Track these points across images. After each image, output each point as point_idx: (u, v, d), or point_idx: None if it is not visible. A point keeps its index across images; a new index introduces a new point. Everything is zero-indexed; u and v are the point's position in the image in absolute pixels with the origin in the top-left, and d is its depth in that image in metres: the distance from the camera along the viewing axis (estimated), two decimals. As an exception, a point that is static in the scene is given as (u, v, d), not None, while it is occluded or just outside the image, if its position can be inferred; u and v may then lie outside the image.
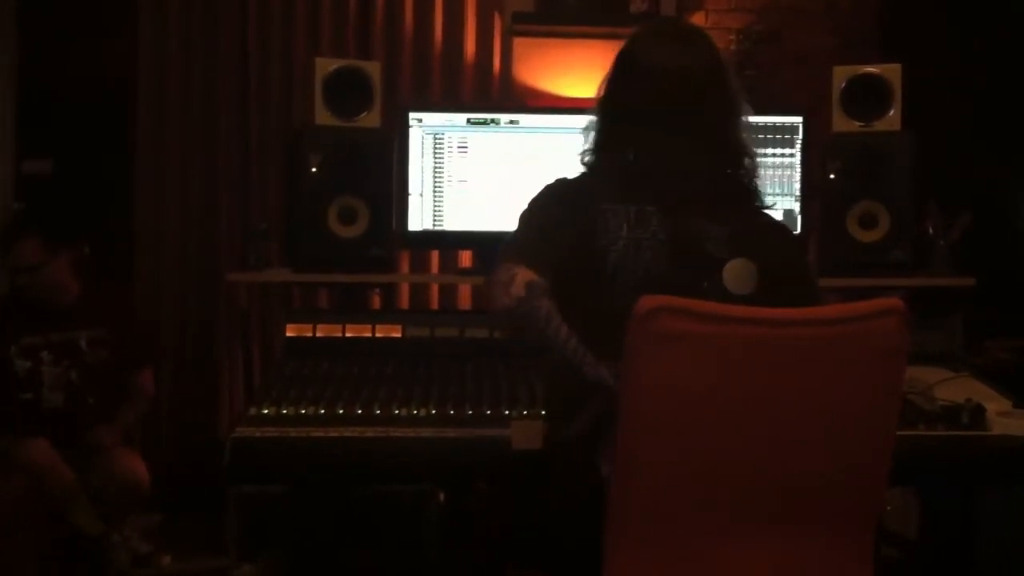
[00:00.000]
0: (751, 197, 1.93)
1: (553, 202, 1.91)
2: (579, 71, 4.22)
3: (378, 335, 2.67)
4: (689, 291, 1.66)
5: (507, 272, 1.76)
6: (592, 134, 1.96)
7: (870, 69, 3.01)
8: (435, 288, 4.23)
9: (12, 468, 3.17)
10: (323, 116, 2.94)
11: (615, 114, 1.92)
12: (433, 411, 2.22)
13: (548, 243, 1.83)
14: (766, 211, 1.96)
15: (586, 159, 1.97)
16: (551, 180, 1.96)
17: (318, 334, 2.67)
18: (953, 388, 2.44)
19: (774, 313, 1.63)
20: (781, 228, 2.00)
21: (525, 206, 1.95)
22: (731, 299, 1.73)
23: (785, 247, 1.95)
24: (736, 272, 1.80)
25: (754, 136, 2.94)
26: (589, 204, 1.85)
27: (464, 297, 4.21)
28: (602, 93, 1.94)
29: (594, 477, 1.65)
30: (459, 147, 2.99)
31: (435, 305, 4.21)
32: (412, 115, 3.00)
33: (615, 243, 1.81)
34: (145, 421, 4.12)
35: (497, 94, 4.22)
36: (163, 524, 3.66)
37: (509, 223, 2.92)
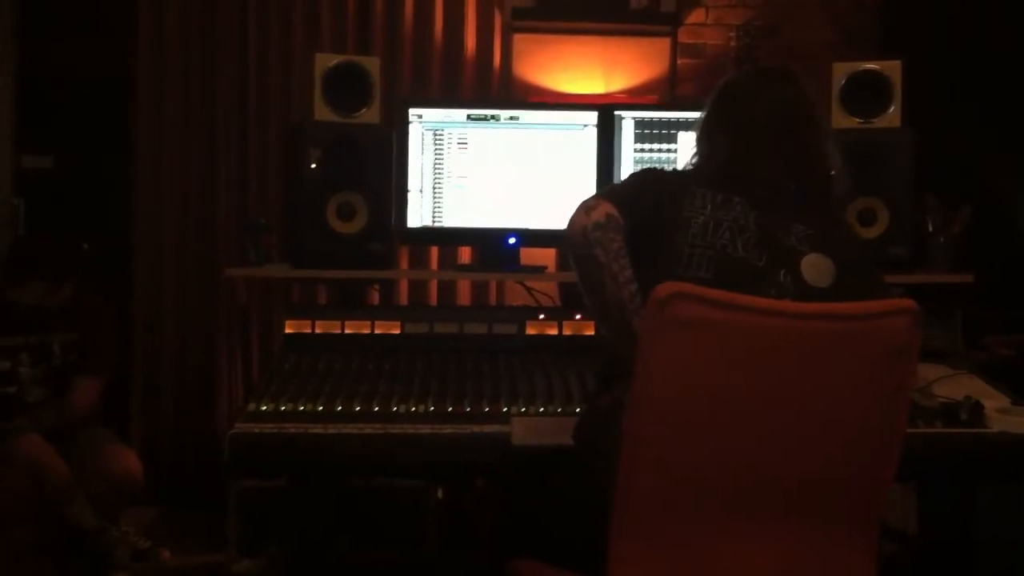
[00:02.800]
0: (832, 204, 2.06)
1: (649, 178, 2.04)
2: (579, 67, 4.22)
3: (377, 331, 2.67)
4: (763, 277, 1.77)
5: (594, 200, 1.90)
6: (694, 152, 2.08)
7: (870, 65, 3.00)
8: (434, 284, 4.23)
9: (9, 464, 3.17)
10: (322, 112, 2.94)
11: (719, 133, 2.02)
12: (432, 407, 2.22)
13: (640, 198, 1.93)
14: (846, 221, 2.12)
15: (696, 146, 2.08)
16: (633, 172, 2.11)
17: (317, 330, 2.67)
18: (952, 385, 2.44)
19: (787, 305, 1.66)
20: (857, 237, 2.14)
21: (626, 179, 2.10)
22: (809, 291, 1.81)
23: (858, 249, 2.06)
24: (815, 265, 1.86)
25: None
26: (681, 183, 1.96)
27: (463, 293, 4.20)
28: (708, 113, 2.06)
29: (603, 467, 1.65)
30: (459, 143, 2.99)
31: (434, 301, 4.21)
32: (412, 111, 2.99)
33: (697, 217, 1.88)
34: (145, 417, 4.14)
35: (497, 90, 4.21)
36: (163, 519, 3.66)
37: (509, 220, 2.98)
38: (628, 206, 1.90)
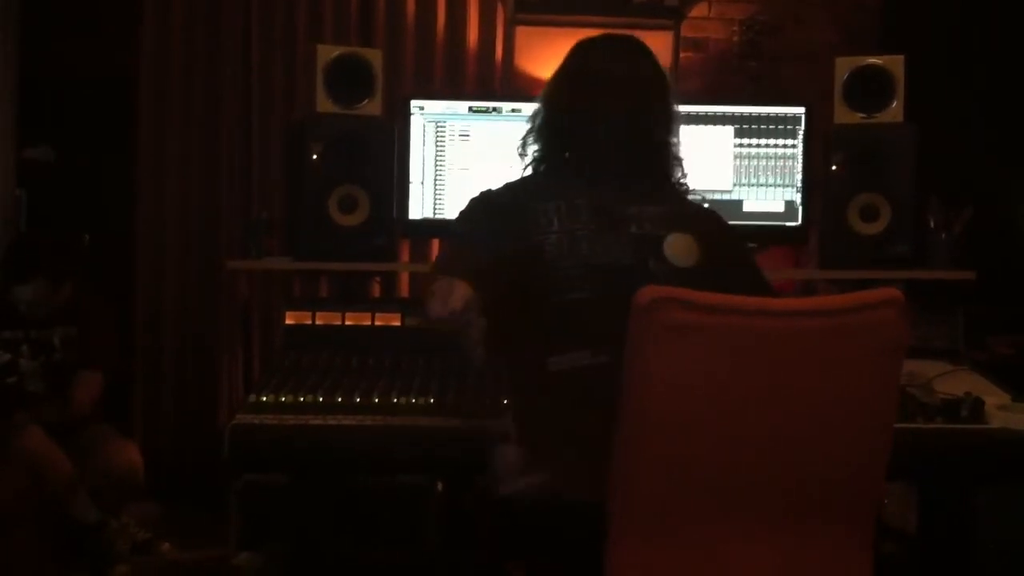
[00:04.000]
0: (674, 184, 2.01)
1: (480, 210, 1.97)
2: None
3: (378, 323, 2.67)
4: (634, 273, 1.75)
5: (445, 283, 1.79)
6: (534, 126, 2.03)
7: (873, 60, 2.99)
8: (435, 277, 4.22)
9: (11, 458, 3.17)
10: (324, 104, 2.93)
11: (559, 111, 1.99)
12: (432, 400, 2.22)
13: (481, 253, 1.87)
14: (699, 202, 2.05)
15: (526, 150, 2.04)
16: (475, 193, 2.02)
17: (318, 322, 2.67)
18: (952, 382, 2.44)
19: (772, 303, 1.65)
20: (713, 212, 2.06)
21: (454, 217, 2.01)
22: (679, 273, 1.79)
23: (716, 222, 2.02)
24: (677, 245, 1.83)
25: (756, 127, 2.98)
26: (518, 205, 1.91)
27: (464, 287, 4.20)
28: (549, 89, 2.03)
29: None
30: (461, 135, 2.98)
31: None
32: (413, 103, 2.99)
33: (548, 237, 1.84)
34: (145, 411, 4.15)
35: (499, 83, 4.21)
36: (164, 513, 3.66)
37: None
38: (483, 273, 1.81)
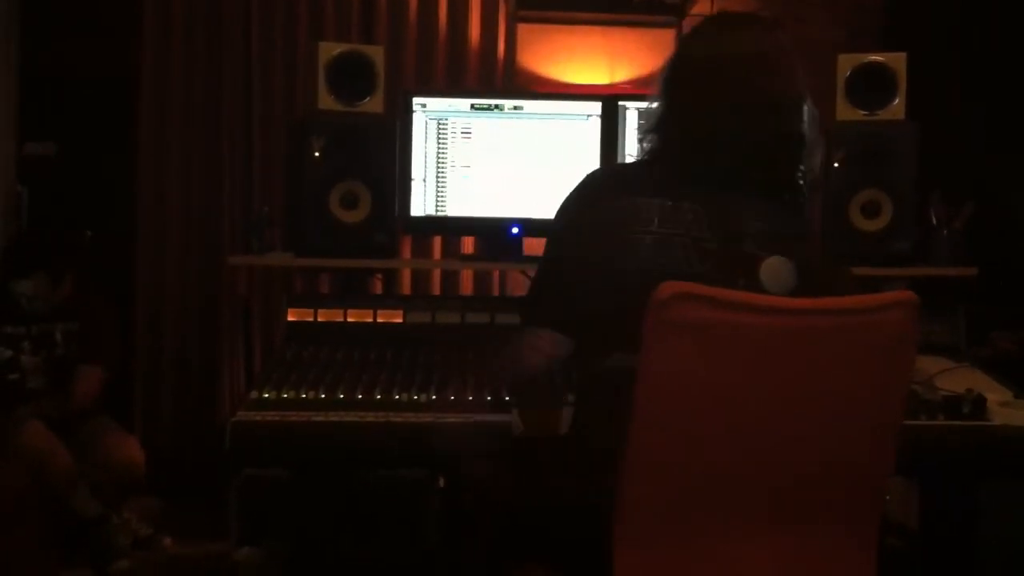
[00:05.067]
0: (798, 190, 1.87)
1: (582, 200, 1.88)
2: (583, 57, 4.21)
3: (379, 320, 2.67)
4: (723, 287, 1.62)
5: (534, 337, 1.80)
6: (648, 116, 1.92)
7: (875, 57, 2.99)
8: (437, 274, 4.23)
9: (12, 453, 3.17)
10: (326, 101, 2.93)
11: (672, 93, 1.87)
12: (434, 396, 2.21)
13: (572, 288, 1.81)
14: (806, 208, 1.91)
15: (642, 143, 1.92)
16: (578, 182, 1.92)
17: (319, 319, 2.67)
18: (954, 378, 2.44)
19: (786, 302, 1.62)
20: (813, 228, 1.97)
21: (558, 208, 1.91)
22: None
23: (818, 246, 1.94)
24: (774, 270, 1.73)
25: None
26: (620, 204, 1.81)
27: (466, 283, 4.20)
28: (659, 77, 1.90)
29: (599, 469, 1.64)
30: (462, 133, 2.98)
31: (437, 291, 4.21)
32: (415, 100, 2.99)
33: (644, 238, 1.76)
34: (147, 405, 4.15)
35: (501, 80, 4.21)
36: (165, 509, 3.66)
37: (512, 210, 2.98)
38: (569, 313, 1.79)
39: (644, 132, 1.91)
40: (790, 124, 1.83)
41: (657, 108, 1.89)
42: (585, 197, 1.88)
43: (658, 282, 1.63)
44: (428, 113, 2.98)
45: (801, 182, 1.87)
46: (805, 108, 1.84)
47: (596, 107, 2.99)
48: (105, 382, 3.48)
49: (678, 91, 1.86)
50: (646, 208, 1.78)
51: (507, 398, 2.12)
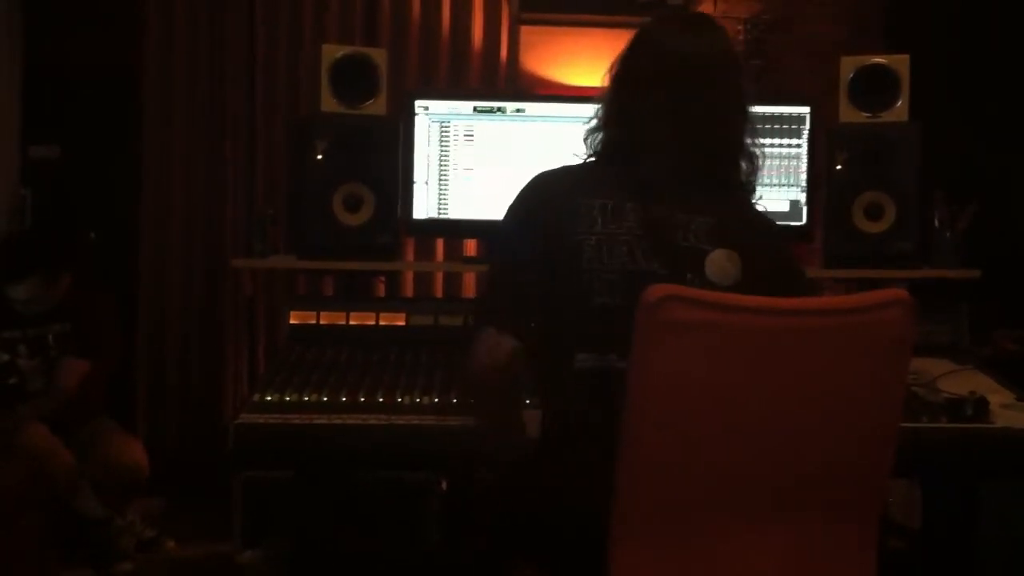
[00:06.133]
0: (741, 188, 1.92)
1: (531, 199, 1.90)
2: (586, 60, 4.21)
3: (382, 323, 2.68)
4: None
5: (492, 337, 1.78)
6: (599, 111, 1.94)
7: (878, 59, 2.99)
8: (439, 276, 4.23)
9: (13, 454, 3.18)
10: (329, 103, 2.93)
11: (619, 93, 1.91)
12: (436, 399, 2.22)
13: (524, 288, 1.83)
14: (754, 204, 1.95)
15: (586, 140, 1.96)
16: (524, 184, 1.93)
17: (322, 321, 2.67)
18: (957, 380, 2.44)
19: (783, 302, 1.63)
20: (766, 220, 1.97)
21: (508, 205, 1.93)
22: (714, 290, 1.71)
23: (769, 238, 1.92)
24: (719, 263, 1.77)
25: (760, 126, 2.97)
26: (566, 199, 1.84)
27: (468, 285, 4.20)
28: (611, 72, 1.93)
29: (595, 469, 1.65)
30: (465, 135, 2.98)
31: (439, 293, 4.21)
32: (418, 103, 2.99)
33: (588, 239, 1.79)
34: (150, 407, 4.15)
35: (504, 82, 4.21)
36: (168, 510, 3.67)
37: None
38: (523, 310, 1.80)
39: (589, 131, 1.95)
40: (728, 127, 1.87)
41: (603, 107, 1.92)
42: (533, 199, 1.90)
43: (608, 282, 1.74)
44: (431, 115, 2.98)
45: (746, 180, 1.91)
46: (744, 110, 1.89)
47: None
48: (104, 381, 3.48)
49: (623, 91, 1.90)
50: (588, 209, 1.81)
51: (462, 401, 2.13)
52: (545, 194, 1.89)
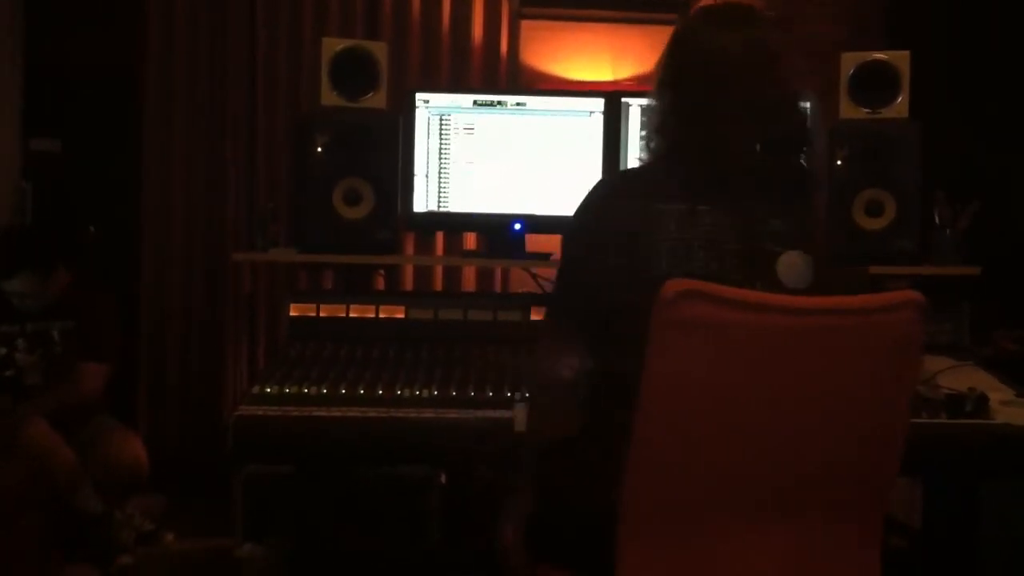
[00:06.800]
0: (809, 186, 1.88)
1: (599, 207, 1.84)
2: (586, 54, 4.22)
3: (382, 316, 2.68)
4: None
5: (560, 345, 1.81)
6: (652, 116, 1.88)
7: (878, 55, 2.99)
8: (439, 270, 4.24)
9: (15, 452, 3.18)
10: (329, 97, 2.93)
11: (672, 96, 1.84)
12: (435, 392, 2.22)
13: (591, 290, 1.79)
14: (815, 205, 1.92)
15: (649, 143, 1.89)
16: (590, 189, 1.89)
17: (322, 314, 2.67)
18: (957, 377, 2.44)
19: (796, 301, 1.61)
20: (822, 224, 1.95)
21: (574, 212, 1.88)
22: (788, 294, 1.69)
23: (825, 244, 1.89)
24: (791, 265, 1.74)
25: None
26: (635, 207, 1.79)
27: (468, 279, 4.21)
28: (659, 75, 1.87)
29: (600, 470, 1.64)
30: (465, 129, 2.98)
31: (439, 287, 4.21)
32: (418, 96, 2.99)
33: (662, 244, 1.74)
34: (150, 403, 4.15)
35: (504, 76, 4.21)
36: (168, 504, 3.67)
37: (515, 206, 2.98)
38: (591, 314, 1.78)
39: (649, 132, 1.88)
40: (793, 122, 1.83)
41: (659, 106, 1.86)
42: (600, 203, 1.85)
43: None
44: (431, 109, 2.98)
45: (808, 179, 1.87)
46: (807, 105, 1.85)
47: (599, 104, 2.99)
48: (109, 379, 3.48)
49: (682, 90, 1.83)
50: (660, 214, 1.76)
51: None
52: (612, 198, 1.84)
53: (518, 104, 2.99)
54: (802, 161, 1.85)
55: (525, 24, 4.26)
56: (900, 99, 2.95)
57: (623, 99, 3.00)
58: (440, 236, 4.14)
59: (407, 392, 2.21)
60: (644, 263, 1.74)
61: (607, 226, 1.80)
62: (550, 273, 3.16)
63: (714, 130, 1.79)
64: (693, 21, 1.90)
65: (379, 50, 2.99)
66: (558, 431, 1.80)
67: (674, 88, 1.84)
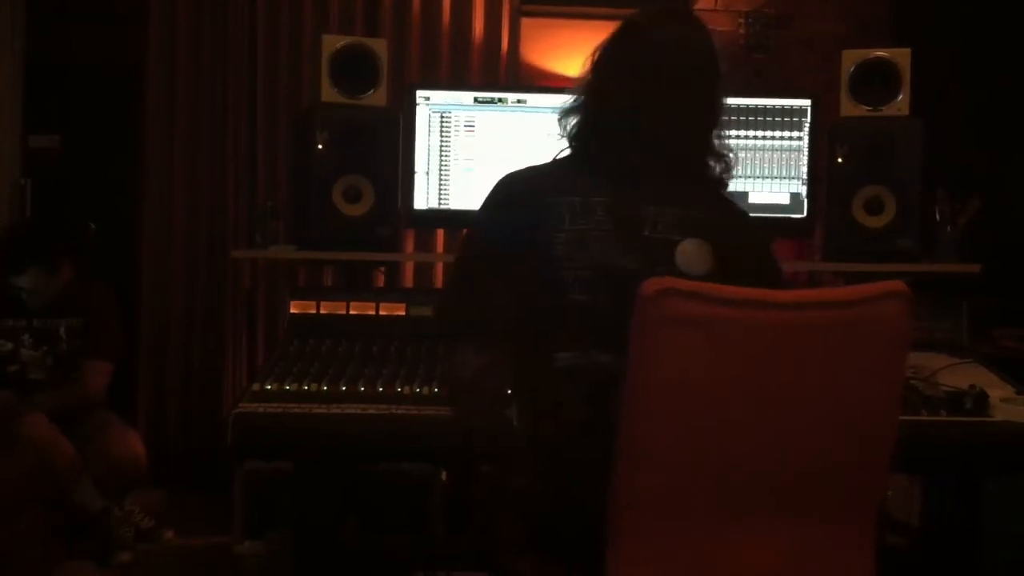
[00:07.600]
0: (715, 185, 1.92)
1: (502, 198, 1.91)
2: (587, 51, 4.19)
3: (382, 313, 2.67)
4: (643, 278, 1.61)
5: (463, 355, 1.86)
6: (576, 94, 1.94)
7: (879, 53, 2.99)
8: (439, 267, 4.23)
9: (15, 446, 3.18)
10: (330, 94, 2.93)
11: (596, 80, 1.90)
12: (436, 389, 2.22)
13: (488, 289, 1.87)
14: (726, 197, 1.95)
15: (561, 119, 1.95)
16: (493, 185, 1.95)
17: (322, 311, 2.67)
18: (957, 374, 2.44)
19: (779, 295, 1.61)
20: (741, 214, 1.97)
21: (480, 205, 1.95)
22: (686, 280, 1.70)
23: (743, 231, 1.92)
24: (689, 252, 1.77)
25: (762, 119, 2.97)
26: (536, 197, 1.85)
27: (468, 277, 4.20)
28: (592, 57, 1.93)
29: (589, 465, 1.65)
30: (466, 126, 2.98)
31: (439, 284, 4.21)
32: (419, 93, 2.99)
33: (557, 235, 1.79)
34: (150, 399, 4.15)
35: (504, 74, 4.21)
36: (168, 500, 3.67)
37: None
38: (491, 317, 1.85)
39: (563, 112, 1.94)
40: (695, 126, 1.87)
41: (579, 91, 1.92)
42: (502, 199, 1.91)
43: (580, 278, 1.74)
44: (431, 106, 2.98)
45: (717, 177, 1.91)
46: (715, 111, 1.88)
47: (600, 101, 2.99)
48: (112, 376, 3.49)
49: (600, 78, 1.90)
50: (558, 206, 1.81)
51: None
52: (513, 194, 1.90)
53: (519, 101, 2.99)
54: (710, 162, 1.89)
55: (526, 21, 4.26)
56: (901, 97, 2.95)
57: (623, 96, 3.00)
58: (440, 233, 4.13)
59: (407, 389, 2.21)
60: (540, 255, 1.79)
61: (503, 222, 1.87)
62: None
63: (617, 119, 1.85)
64: (634, 17, 1.95)
65: (379, 47, 3.00)
66: (485, 419, 1.88)
67: (594, 74, 1.91)
